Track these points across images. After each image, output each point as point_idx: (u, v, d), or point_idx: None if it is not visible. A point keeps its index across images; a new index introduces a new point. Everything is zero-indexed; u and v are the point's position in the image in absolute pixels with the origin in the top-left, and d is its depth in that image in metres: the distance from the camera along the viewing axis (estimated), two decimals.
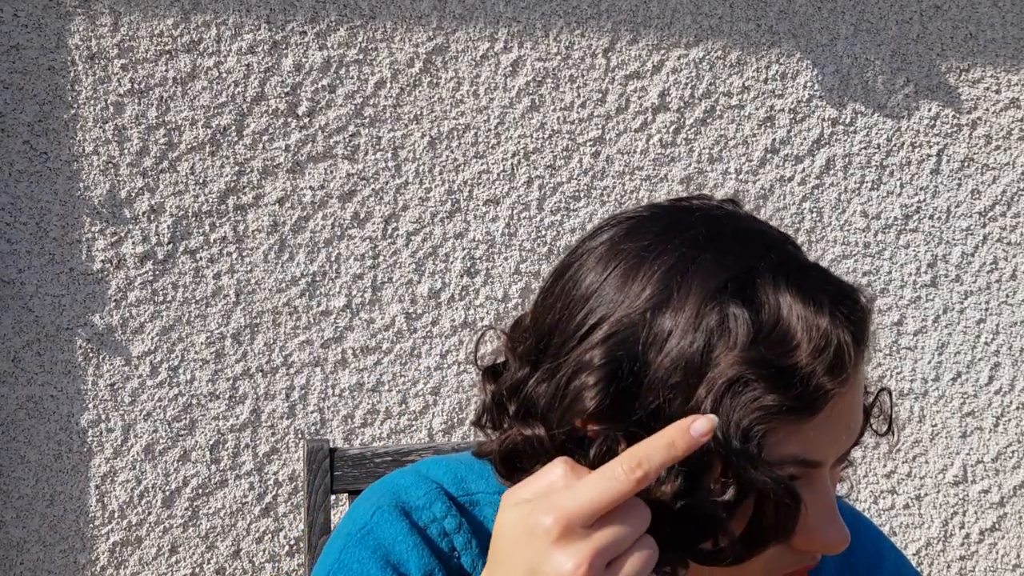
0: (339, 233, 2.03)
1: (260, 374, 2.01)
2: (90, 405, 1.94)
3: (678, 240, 0.73)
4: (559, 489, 0.66)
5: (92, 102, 1.92)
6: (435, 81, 2.05)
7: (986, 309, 2.36)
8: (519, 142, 2.09)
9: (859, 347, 0.71)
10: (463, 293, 2.08)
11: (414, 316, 2.06)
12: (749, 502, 0.69)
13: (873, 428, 0.81)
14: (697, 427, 0.65)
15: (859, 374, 0.72)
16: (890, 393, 0.81)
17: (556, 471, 0.68)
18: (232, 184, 1.98)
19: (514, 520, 0.66)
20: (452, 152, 2.07)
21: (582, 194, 2.12)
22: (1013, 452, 2.39)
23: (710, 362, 0.68)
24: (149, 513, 1.98)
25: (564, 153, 2.11)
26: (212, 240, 1.98)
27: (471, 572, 0.84)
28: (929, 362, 2.33)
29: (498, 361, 0.81)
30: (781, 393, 0.67)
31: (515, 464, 0.77)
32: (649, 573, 0.65)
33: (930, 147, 2.30)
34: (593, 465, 0.68)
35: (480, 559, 0.84)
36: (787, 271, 0.71)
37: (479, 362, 0.82)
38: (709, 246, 0.72)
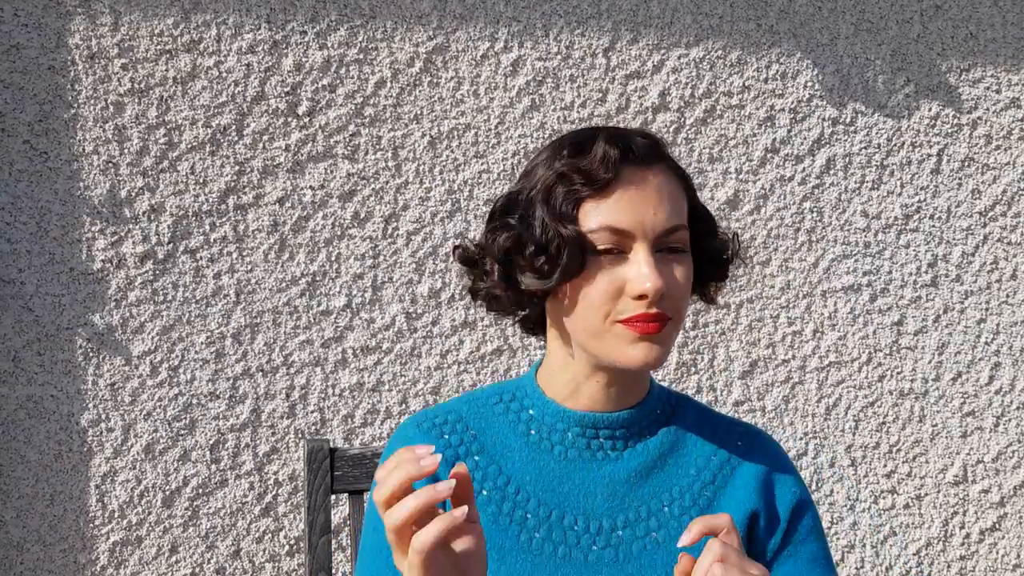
0: (339, 233, 2.03)
1: (260, 374, 2.01)
2: (90, 405, 1.94)
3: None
4: None
5: (92, 102, 1.92)
6: (435, 81, 2.05)
7: (986, 309, 2.36)
8: (519, 142, 2.09)
9: (624, 156, 1.07)
10: (463, 293, 2.08)
11: (414, 316, 2.06)
12: (559, 248, 1.06)
13: (734, 264, 1.18)
14: (440, 486, 0.88)
15: (650, 174, 1.08)
16: (737, 235, 1.18)
17: None
18: (232, 184, 1.98)
19: None
20: (452, 152, 2.07)
21: None
22: (1013, 452, 2.39)
23: (550, 167, 1.10)
24: (149, 513, 1.98)
25: None
26: (212, 240, 1.98)
27: (473, 469, 1.12)
28: (929, 362, 2.33)
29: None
30: (575, 176, 1.07)
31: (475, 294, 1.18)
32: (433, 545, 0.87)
33: (930, 147, 2.30)
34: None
35: (481, 455, 1.13)
36: (615, 133, 1.09)
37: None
38: (578, 131, 1.14)
